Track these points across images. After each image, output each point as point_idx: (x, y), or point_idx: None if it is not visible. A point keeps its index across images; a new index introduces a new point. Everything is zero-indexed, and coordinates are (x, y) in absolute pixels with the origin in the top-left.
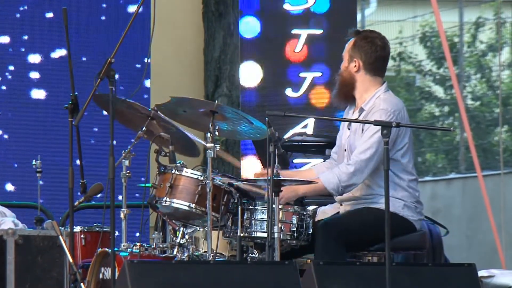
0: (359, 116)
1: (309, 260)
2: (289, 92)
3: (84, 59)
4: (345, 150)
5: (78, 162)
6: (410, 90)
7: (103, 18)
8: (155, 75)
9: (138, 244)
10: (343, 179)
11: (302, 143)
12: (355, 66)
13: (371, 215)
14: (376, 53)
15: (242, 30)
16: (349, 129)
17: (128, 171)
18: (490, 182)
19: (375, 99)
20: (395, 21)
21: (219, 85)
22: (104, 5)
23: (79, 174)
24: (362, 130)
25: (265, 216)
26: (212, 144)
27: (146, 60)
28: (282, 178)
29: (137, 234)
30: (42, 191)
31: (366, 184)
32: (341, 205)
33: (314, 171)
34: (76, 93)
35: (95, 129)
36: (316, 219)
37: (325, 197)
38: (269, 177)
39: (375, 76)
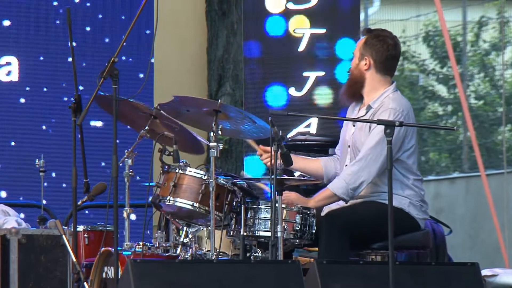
0: (366, 113)
1: (313, 259)
2: (292, 91)
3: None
4: (349, 146)
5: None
6: (413, 89)
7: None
8: (158, 74)
9: (141, 243)
10: (350, 180)
11: (305, 142)
12: (366, 64)
13: (376, 209)
14: (387, 52)
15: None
16: (354, 125)
17: (131, 170)
18: (493, 181)
19: (383, 98)
20: (398, 20)
21: (223, 84)
22: None
23: (82, 173)
24: (370, 127)
25: (268, 215)
26: (215, 143)
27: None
28: (286, 177)
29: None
30: (45, 191)
31: (373, 183)
32: (346, 202)
33: (321, 162)
34: (79, 93)
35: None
36: (322, 214)
37: None
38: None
39: (385, 75)
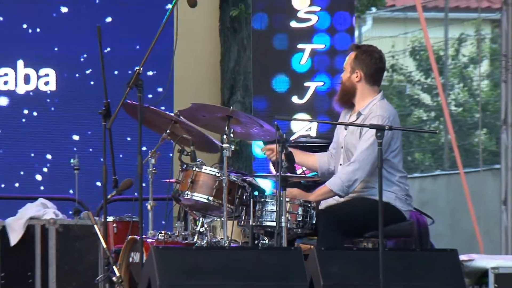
0: (356, 119)
1: (313, 246)
2: (295, 99)
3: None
4: (342, 147)
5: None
6: (401, 98)
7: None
8: (177, 84)
9: (163, 232)
10: (346, 179)
11: (307, 144)
12: (357, 76)
13: (367, 204)
14: (375, 66)
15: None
16: (346, 129)
17: (154, 168)
18: (470, 178)
19: (372, 105)
20: (388, 37)
21: (234, 93)
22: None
23: (111, 171)
24: (360, 131)
25: (274, 208)
26: (227, 145)
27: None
28: (289, 175)
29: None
30: (79, 186)
31: (365, 180)
32: (342, 197)
33: (316, 157)
34: (108, 100)
35: (128, 139)
36: (320, 208)
37: None
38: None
39: (373, 85)
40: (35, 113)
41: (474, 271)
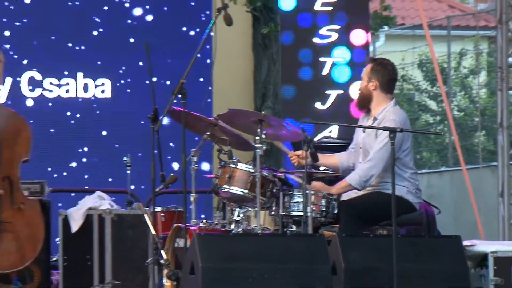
0: (372, 123)
1: (335, 233)
2: (318, 105)
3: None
4: (360, 147)
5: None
6: (410, 104)
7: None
8: (216, 92)
9: (204, 220)
10: (363, 174)
11: (328, 144)
12: (373, 85)
13: (382, 197)
14: (389, 76)
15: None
16: (363, 132)
17: (196, 165)
18: (472, 174)
19: (386, 111)
20: (398, 51)
21: (265, 100)
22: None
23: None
24: (376, 134)
25: (300, 199)
26: (260, 145)
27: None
28: (314, 171)
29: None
30: (132, 180)
31: (380, 176)
32: (359, 190)
33: (337, 157)
34: (156, 106)
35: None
36: (341, 199)
37: None
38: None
39: (387, 93)
40: (94, 116)
41: (476, 255)
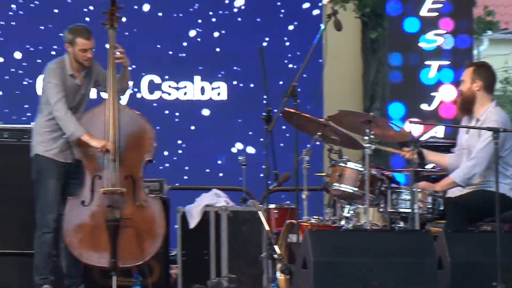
0: (475, 124)
1: (441, 229)
2: (424, 106)
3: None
4: (464, 148)
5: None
6: None
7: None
8: (327, 94)
9: (316, 217)
10: (466, 172)
11: (435, 144)
12: (477, 86)
13: (486, 195)
14: (492, 76)
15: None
16: (467, 133)
17: (308, 164)
18: None
19: (488, 112)
20: (502, 54)
21: (374, 102)
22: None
23: (272, 166)
24: (479, 134)
25: (408, 197)
26: (368, 144)
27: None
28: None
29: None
30: (246, 179)
31: (482, 175)
32: (463, 188)
33: (447, 157)
34: (269, 108)
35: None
36: (447, 196)
37: None
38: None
39: (489, 94)
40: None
41: None
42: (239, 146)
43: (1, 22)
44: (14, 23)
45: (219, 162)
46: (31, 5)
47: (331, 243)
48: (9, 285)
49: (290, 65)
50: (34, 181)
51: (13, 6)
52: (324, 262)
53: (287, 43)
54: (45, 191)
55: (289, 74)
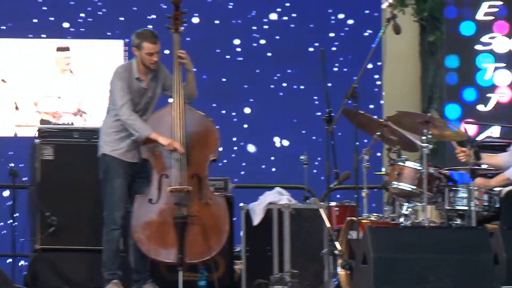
0: None
1: (497, 226)
2: (480, 107)
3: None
4: None
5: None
6: None
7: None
8: (386, 95)
9: (376, 214)
10: None
11: (491, 143)
12: None
13: None
14: None
15: None
16: None
17: (367, 163)
18: None
19: None
20: None
21: (431, 103)
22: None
23: (333, 165)
24: None
25: (465, 195)
26: (426, 144)
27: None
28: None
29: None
30: (309, 177)
31: None
32: None
33: (499, 157)
34: (330, 109)
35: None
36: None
37: None
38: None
39: None
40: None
41: None
42: (285, 143)
43: (72, 29)
44: (83, 29)
45: (272, 158)
46: (99, 12)
47: (390, 240)
48: (79, 281)
49: (335, 69)
50: (101, 180)
51: (82, 14)
52: (383, 258)
53: (334, 48)
54: (112, 189)
55: (337, 78)
